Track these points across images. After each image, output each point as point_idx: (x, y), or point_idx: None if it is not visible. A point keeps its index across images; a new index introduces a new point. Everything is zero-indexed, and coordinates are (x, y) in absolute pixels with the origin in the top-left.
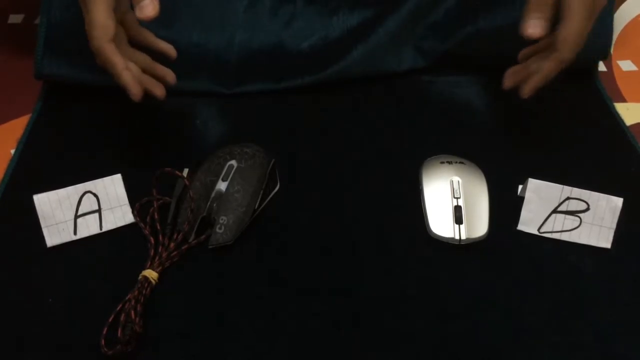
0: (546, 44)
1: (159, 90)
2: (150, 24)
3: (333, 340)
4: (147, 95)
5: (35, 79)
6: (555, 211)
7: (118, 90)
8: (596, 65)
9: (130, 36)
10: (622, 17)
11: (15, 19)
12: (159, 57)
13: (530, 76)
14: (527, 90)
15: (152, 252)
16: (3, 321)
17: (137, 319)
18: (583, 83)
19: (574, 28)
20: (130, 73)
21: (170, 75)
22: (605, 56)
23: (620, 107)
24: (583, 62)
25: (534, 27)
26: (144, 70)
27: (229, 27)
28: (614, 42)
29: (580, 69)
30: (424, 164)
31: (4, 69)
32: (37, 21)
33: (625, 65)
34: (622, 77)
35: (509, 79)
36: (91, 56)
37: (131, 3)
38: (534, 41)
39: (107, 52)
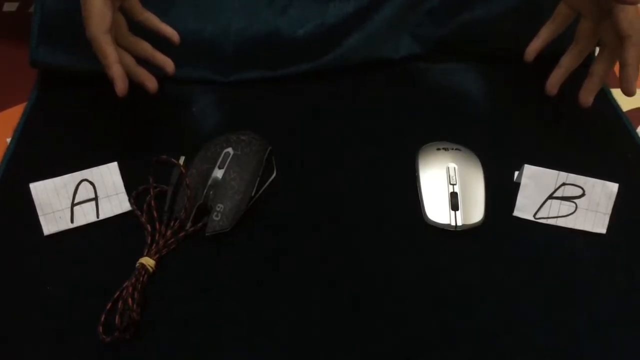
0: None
1: (151, 84)
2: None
3: (331, 327)
4: (139, 86)
5: (30, 67)
6: (551, 197)
7: None
8: (593, 51)
9: (136, 21)
10: None
11: (9, 6)
12: (162, 42)
13: (621, 75)
14: (633, 88)
15: (149, 240)
16: (1, 309)
17: (135, 307)
18: (579, 69)
19: (635, 8)
20: (121, 67)
21: (169, 65)
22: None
23: (617, 93)
24: None
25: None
26: (145, 59)
27: (225, 14)
28: None
29: None
30: (420, 151)
31: None
32: (31, 9)
33: None
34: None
35: (587, 96)
36: (86, 44)
37: None
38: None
39: (101, 42)
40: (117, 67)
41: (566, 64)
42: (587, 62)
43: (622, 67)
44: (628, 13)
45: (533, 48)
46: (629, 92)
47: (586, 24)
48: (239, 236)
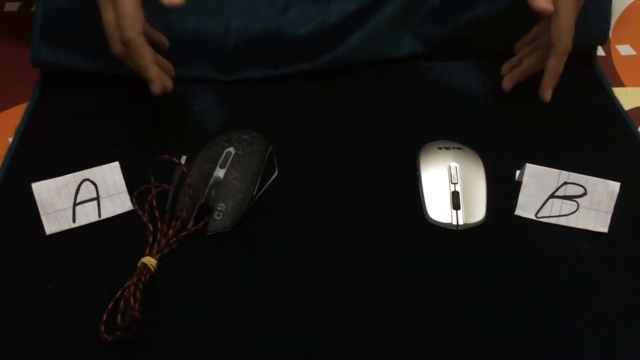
0: (537, 34)
1: (168, 82)
2: (146, 10)
3: (332, 326)
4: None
5: (32, 66)
6: (552, 196)
7: (115, 78)
8: (595, 50)
9: None
10: (620, 1)
11: (11, 6)
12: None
13: (542, 79)
14: (547, 94)
15: (150, 239)
16: (3, 309)
17: (137, 306)
18: (582, 68)
19: (565, 20)
20: (157, 67)
21: (171, 69)
22: (604, 40)
23: (619, 92)
24: (582, 47)
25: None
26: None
27: (226, 13)
28: (612, 26)
29: (578, 53)
30: (422, 150)
31: (1, 57)
32: (33, 9)
33: (624, 49)
34: (621, 62)
35: (507, 82)
36: (87, 43)
37: None
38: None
39: (138, 44)
40: (154, 67)
41: (525, 65)
42: (591, 64)
43: (544, 72)
44: (559, 23)
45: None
46: (542, 97)
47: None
48: (241, 235)
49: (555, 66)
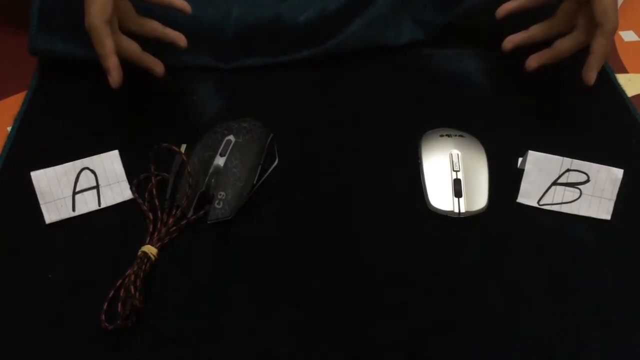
0: (564, 19)
1: (159, 68)
2: None
3: (333, 314)
4: (147, 72)
5: (30, 55)
6: (555, 183)
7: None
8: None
9: (144, 1)
10: None
11: None
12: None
13: (586, 62)
14: (591, 76)
15: (151, 228)
16: (3, 297)
17: (137, 294)
18: (584, 54)
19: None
20: (117, 58)
21: (182, 40)
22: None
23: (622, 78)
24: None
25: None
26: (156, 38)
27: (226, 1)
28: None
29: None
30: (424, 137)
31: None
32: None
33: (627, 35)
34: (624, 48)
35: (534, 60)
36: (85, 31)
37: None
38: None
39: (101, 32)
40: (114, 58)
41: (533, 31)
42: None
43: (589, 54)
44: (604, 1)
45: (513, 40)
46: (587, 79)
47: (569, 4)
48: (241, 224)
49: (603, 45)
